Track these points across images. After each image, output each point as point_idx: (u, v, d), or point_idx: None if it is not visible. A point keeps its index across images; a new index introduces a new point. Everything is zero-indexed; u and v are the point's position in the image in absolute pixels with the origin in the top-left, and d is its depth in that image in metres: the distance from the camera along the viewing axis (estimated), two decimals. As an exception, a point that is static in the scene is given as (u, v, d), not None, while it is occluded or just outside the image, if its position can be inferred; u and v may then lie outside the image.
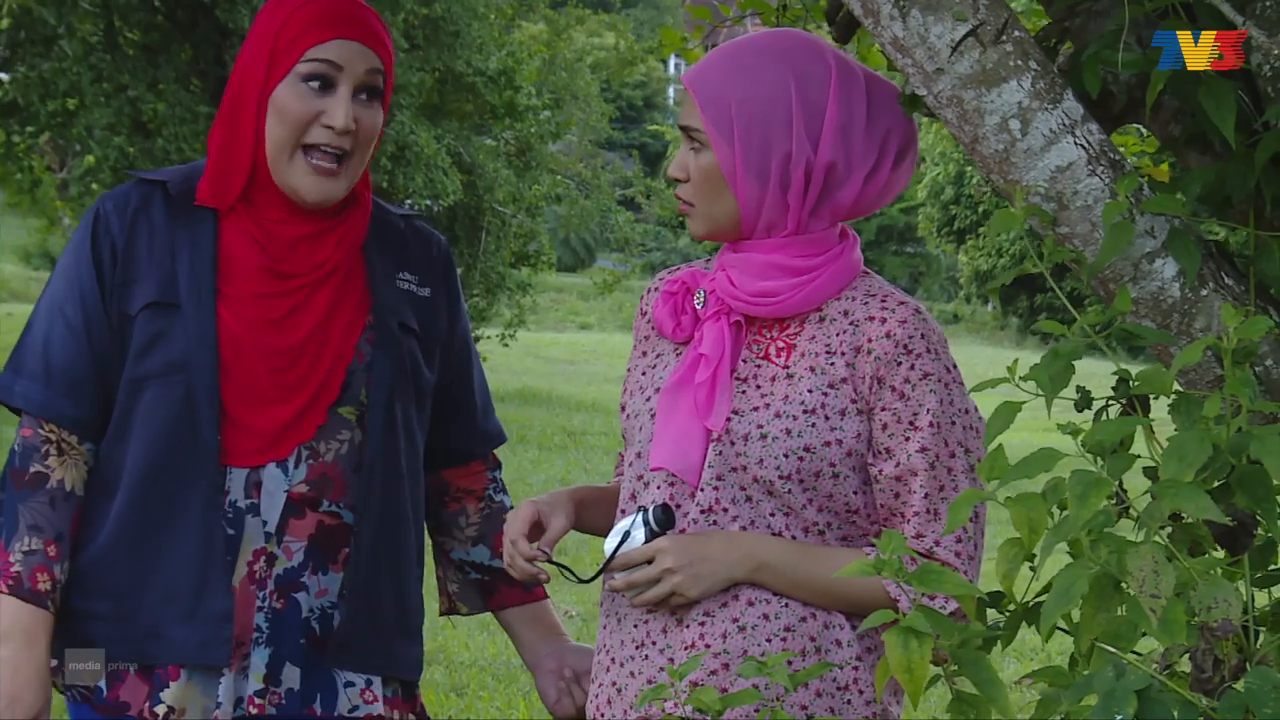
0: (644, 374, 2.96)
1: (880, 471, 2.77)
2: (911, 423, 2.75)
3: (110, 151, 20.74)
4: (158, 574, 3.03)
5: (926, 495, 2.75)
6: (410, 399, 3.19)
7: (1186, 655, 2.33)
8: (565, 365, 29.98)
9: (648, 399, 2.89)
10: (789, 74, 2.79)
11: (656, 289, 2.98)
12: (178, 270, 3.07)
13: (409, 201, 21.70)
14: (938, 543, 2.76)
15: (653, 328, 2.97)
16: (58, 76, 20.75)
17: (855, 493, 2.79)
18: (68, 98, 21.15)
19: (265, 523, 3.05)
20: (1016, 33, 2.60)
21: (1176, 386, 2.47)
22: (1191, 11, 2.65)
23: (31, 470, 3.02)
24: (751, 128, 2.77)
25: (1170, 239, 2.58)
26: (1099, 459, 2.27)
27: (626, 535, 2.76)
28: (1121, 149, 3.70)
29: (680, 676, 2.41)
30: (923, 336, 2.78)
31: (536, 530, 2.89)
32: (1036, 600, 2.52)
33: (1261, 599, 2.52)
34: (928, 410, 2.75)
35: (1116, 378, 2.51)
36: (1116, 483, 2.41)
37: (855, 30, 3.09)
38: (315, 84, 3.01)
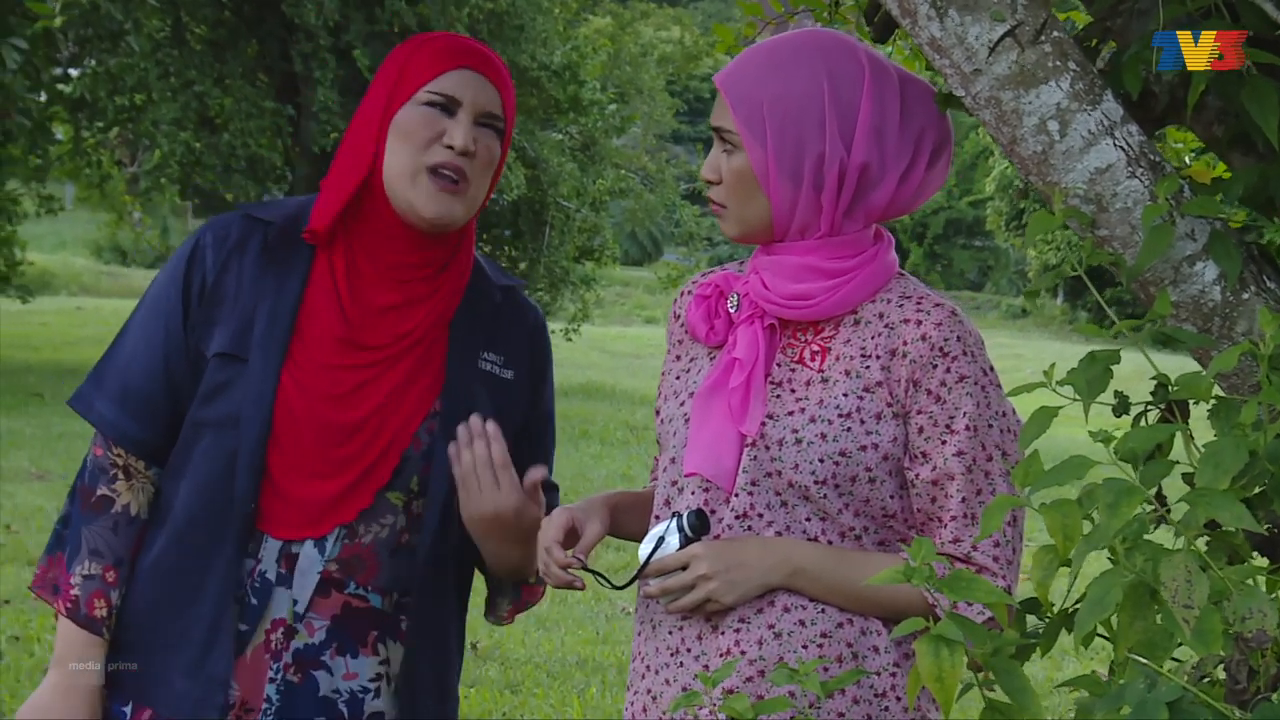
0: (678, 378, 2.93)
1: (916, 476, 2.73)
2: (948, 426, 2.71)
3: (177, 146, 20.86)
4: (177, 621, 2.99)
5: (964, 500, 2.71)
6: None
7: (1221, 665, 2.30)
8: (630, 359, 29.97)
9: (681, 404, 2.86)
10: (822, 73, 2.75)
11: (690, 292, 2.96)
12: (255, 322, 3.02)
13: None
14: (975, 548, 2.71)
15: (686, 331, 2.94)
16: (125, 72, 20.88)
17: (892, 497, 2.75)
18: (135, 93, 21.28)
19: (295, 601, 2.99)
20: (1055, 33, 2.57)
21: (1218, 391, 2.44)
22: (1235, 10, 2.61)
23: (98, 493, 3.01)
24: (784, 128, 2.74)
25: (1211, 242, 2.54)
26: (1135, 466, 2.24)
27: (661, 541, 2.73)
28: (1180, 144, 3.67)
29: (713, 684, 2.38)
30: (959, 339, 2.73)
31: (571, 537, 2.86)
32: (1075, 606, 2.49)
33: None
34: (964, 414, 2.71)
35: (1155, 382, 2.48)
36: (1154, 489, 2.38)
37: (893, 30, 3.06)
38: (436, 110, 2.98)
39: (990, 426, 2.72)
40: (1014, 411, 2.77)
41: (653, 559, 2.73)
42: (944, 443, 2.71)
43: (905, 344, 2.73)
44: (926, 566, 2.19)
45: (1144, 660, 2.14)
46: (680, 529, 2.71)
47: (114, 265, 42.27)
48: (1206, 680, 2.31)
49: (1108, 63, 2.73)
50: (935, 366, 2.71)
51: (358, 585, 3.03)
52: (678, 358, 2.96)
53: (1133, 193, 2.54)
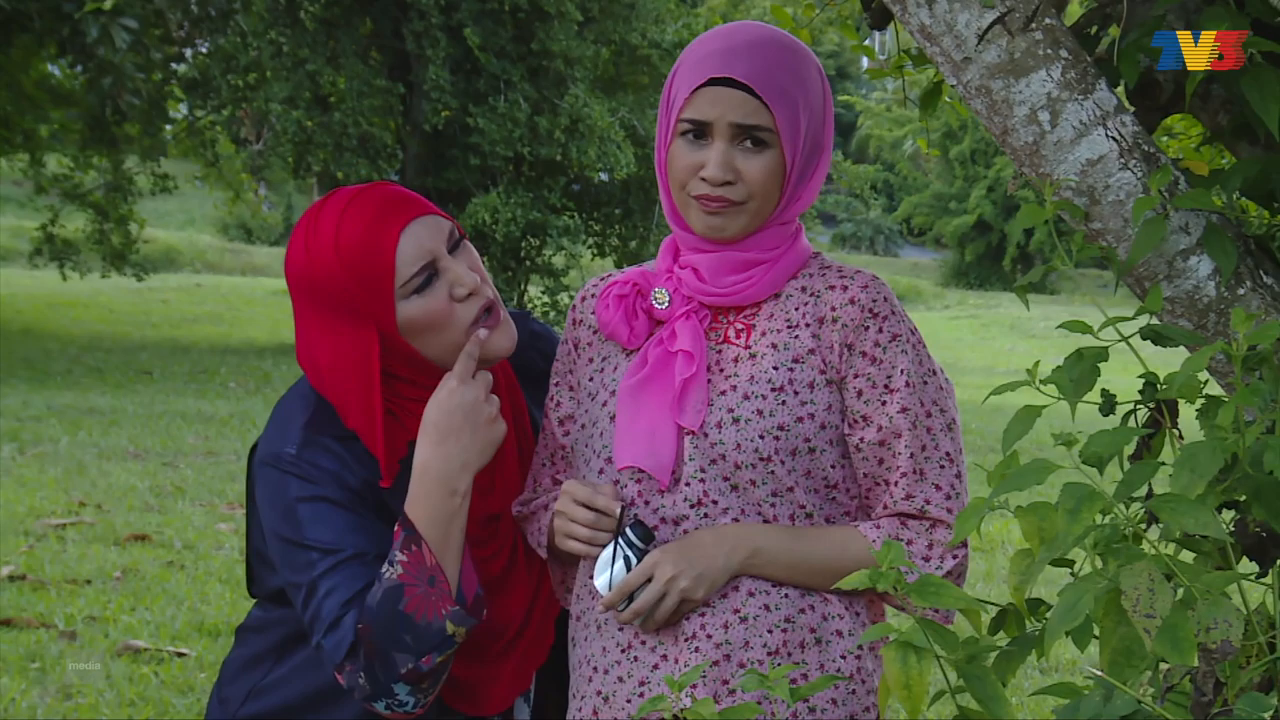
0: (591, 380, 2.89)
1: (861, 439, 2.73)
2: (887, 385, 2.72)
3: (289, 125, 21.00)
4: None
5: (911, 455, 2.71)
6: None
7: (1188, 677, 2.23)
8: (744, 338, 29.86)
9: (604, 404, 2.82)
10: (818, 72, 2.75)
11: (592, 295, 2.93)
12: None
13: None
14: (929, 501, 2.72)
15: (595, 333, 2.90)
16: (238, 52, 21.05)
17: (833, 466, 2.74)
18: (248, 72, 21.45)
19: None
20: (1047, 20, 2.50)
21: (1216, 389, 2.36)
22: (1240, -2, 2.53)
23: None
24: (811, 124, 2.72)
25: (1206, 236, 2.46)
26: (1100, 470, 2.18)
27: (625, 560, 2.69)
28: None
29: (679, 688, 2.33)
30: (885, 299, 2.75)
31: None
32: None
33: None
34: (902, 371, 2.72)
35: (1144, 381, 2.40)
36: (1143, 491, 2.31)
37: (890, 18, 2.99)
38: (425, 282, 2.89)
39: (925, 384, 2.74)
40: (942, 371, 2.80)
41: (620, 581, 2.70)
42: (884, 403, 2.72)
43: (833, 309, 2.74)
44: (893, 571, 2.15)
45: (1100, 673, 2.08)
46: (630, 545, 2.68)
47: (238, 242, 42.70)
48: (1173, 691, 2.24)
49: (1106, 50, 2.65)
50: (867, 328, 2.73)
51: None
52: (589, 360, 2.92)
53: (1125, 185, 2.47)
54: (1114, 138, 2.48)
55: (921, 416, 2.72)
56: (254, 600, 3.08)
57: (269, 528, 2.88)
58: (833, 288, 2.75)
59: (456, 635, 2.74)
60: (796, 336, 2.73)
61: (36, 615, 7.42)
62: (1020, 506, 2.23)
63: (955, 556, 2.72)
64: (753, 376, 2.72)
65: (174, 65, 22.64)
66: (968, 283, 46.53)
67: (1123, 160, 2.47)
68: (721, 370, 2.75)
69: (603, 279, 2.93)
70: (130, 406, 15.18)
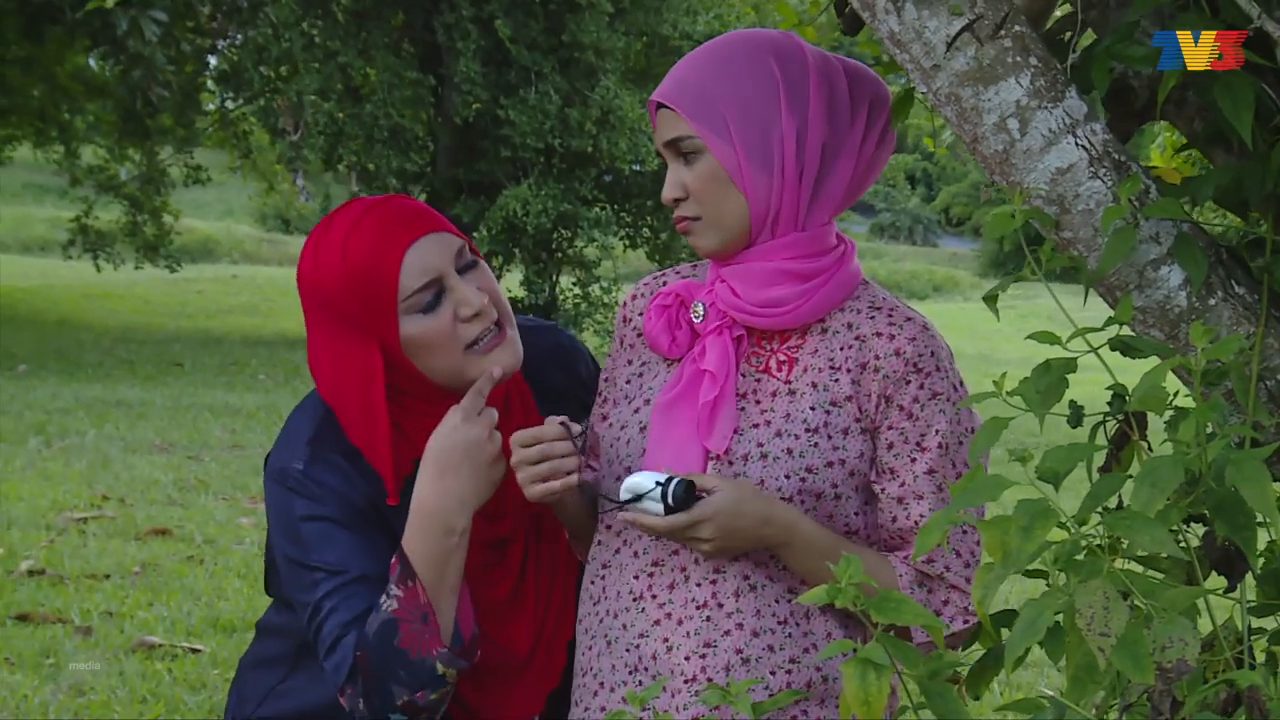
0: (629, 383, 2.86)
1: (884, 490, 2.68)
2: (919, 444, 2.66)
3: (320, 116, 21.05)
4: None
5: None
6: None
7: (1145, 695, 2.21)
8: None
9: (636, 410, 2.79)
10: (768, 56, 2.70)
11: (642, 295, 2.90)
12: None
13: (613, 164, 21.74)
14: (948, 567, 2.68)
15: (640, 336, 2.87)
16: (270, 44, 21.11)
17: (856, 513, 2.70)
18: (280, 64, 21.52)
19: None
20: (1016, 28, 2.47)
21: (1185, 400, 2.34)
22: (1214, 3, 2.50)
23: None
24: (747, 115, 2.67)
25: (1177, 245, 2.43)
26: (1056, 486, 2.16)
27: (640, 495, 2.61)
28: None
29: (641, 702, 2.31)
30: (932, 354, 2.68)
31: None
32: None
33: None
34: (937, 431, 2.66)
35: (1112, 393, 2.38)
36: (1116, 500, 2.29)
37: (863, 25, 2.96)
38: (429, 306, 2.87)
39: (960, 444, 2.68)
40: (981, 424, 2.72)
41: (637, 508, 2.62)
42: (914, 460, 2.67)
43: (878, 358, 2.68)
44: (852, 588, 2.13)
45: (1054, 694, 2.06)
46: (664, 498, 2.59)
47: (276, 233, 42.81)
48: (1132, 709, 2.22)
49: (1079, 57, 2.63)
50: (909, 383, 2.67)
51: None
52: (629, 362, 2.89)
53: (1095, 194, 2.44)
54: (1083, 146, 2.45)
55: (950, 478, 2.66)
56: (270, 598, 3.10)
57: (275, 543, 2.89)
58: (879, 335, 2.69)
59: (447, 675, 2.73)
60: (837, 380, 2.68)
61: (54, 610, 7.45)
62: (983, 520, 2.21)
63: (966, 621, 2.66)
64: (789, 414, 2.68)
65: (207, 57, 22.73)
66: (1006, 273, 46.36)
67: (1092, 169, 2.44)
68: (758, 402, 2.71)
69: (656, 277, 2.92)
70: (159, 399, 15.24)
